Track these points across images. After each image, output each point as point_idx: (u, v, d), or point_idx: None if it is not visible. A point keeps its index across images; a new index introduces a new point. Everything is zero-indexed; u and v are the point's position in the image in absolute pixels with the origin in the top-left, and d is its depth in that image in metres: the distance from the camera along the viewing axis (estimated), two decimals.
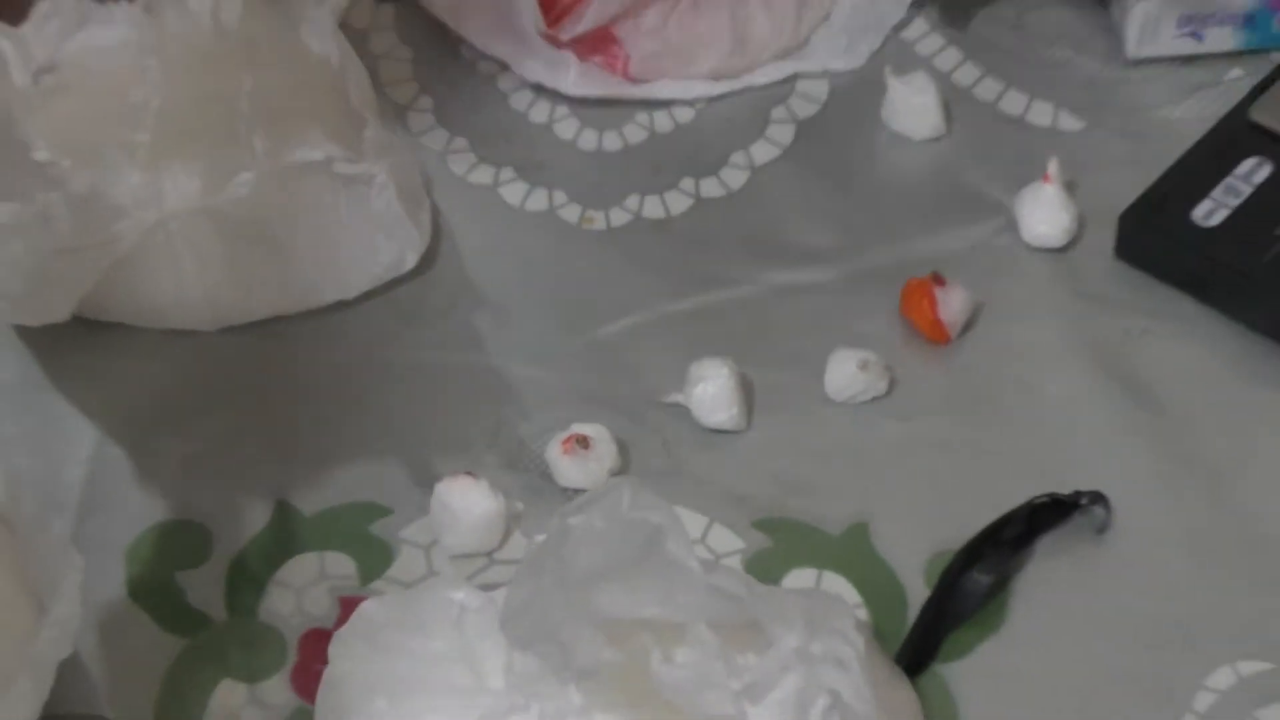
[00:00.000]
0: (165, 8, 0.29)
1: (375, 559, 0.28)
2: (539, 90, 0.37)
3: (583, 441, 0.29)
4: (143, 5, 0.30)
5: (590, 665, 0.21)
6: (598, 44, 0.36)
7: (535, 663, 0.21)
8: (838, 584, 0.28)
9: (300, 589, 0.28)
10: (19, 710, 0.21)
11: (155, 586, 0.28)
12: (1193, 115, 0.36)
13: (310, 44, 0.33)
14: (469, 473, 0.28)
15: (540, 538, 0.23)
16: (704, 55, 0.37)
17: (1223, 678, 0.26)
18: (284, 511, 0.29)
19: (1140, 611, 0.27)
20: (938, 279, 0.31)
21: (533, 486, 0.29)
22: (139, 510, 0.29)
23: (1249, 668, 0.26)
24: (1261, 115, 0.34)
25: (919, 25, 0.38)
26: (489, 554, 0.28)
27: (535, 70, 0.36)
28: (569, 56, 0.36)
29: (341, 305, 0.33)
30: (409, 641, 0.23)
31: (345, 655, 0.24)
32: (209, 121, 0.30)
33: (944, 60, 0.37)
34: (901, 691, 0.25)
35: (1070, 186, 0.33)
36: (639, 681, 0.21)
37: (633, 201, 0.35)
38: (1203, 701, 0.26)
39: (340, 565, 0.28)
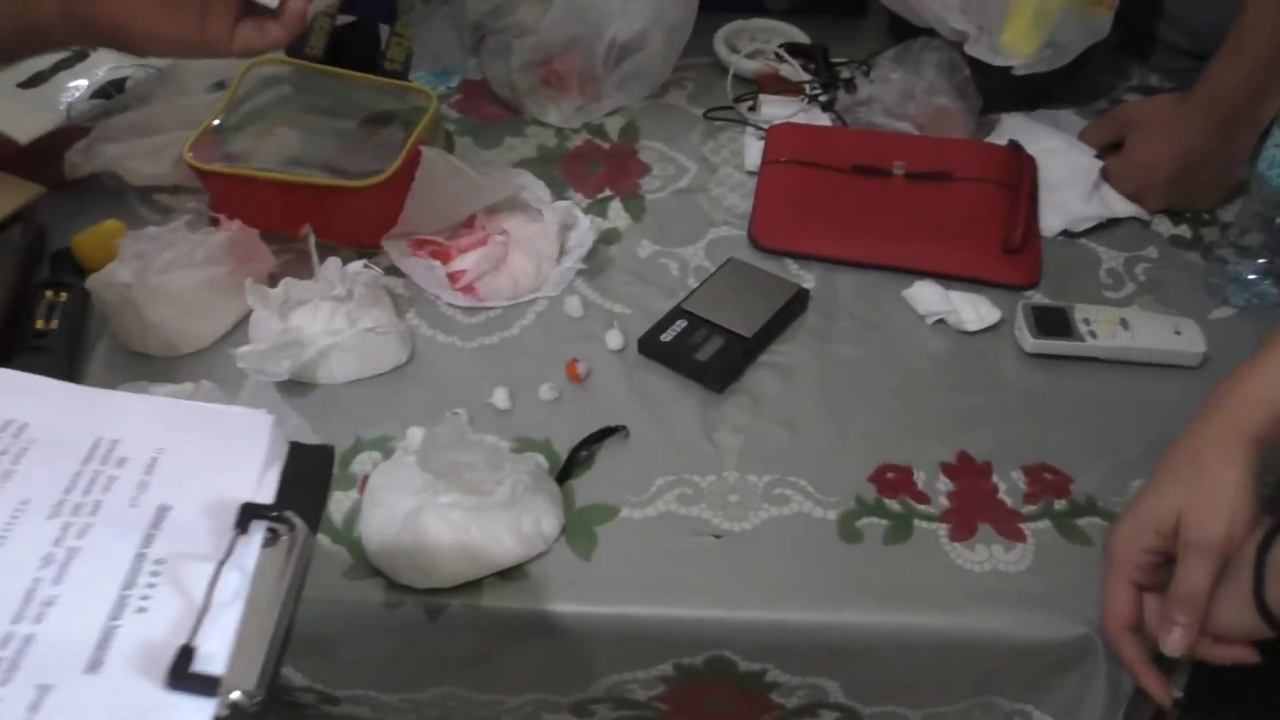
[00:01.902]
0: (323, 282, 0.90)
1: None
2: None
3: None
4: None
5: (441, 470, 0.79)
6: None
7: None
8: (538, 457, 0.87)
9: None
10: None
11: None
12: None
13: (371, 288, 0.94)
14: None
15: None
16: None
17: None
18: None
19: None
20: None
21: None
22: None
23: None
24: None
25: None
26: None
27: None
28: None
29: (365, 381, 0.92)
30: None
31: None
32: (335, 317, 0.90)
33: None
34: (555, 486, 0.84)
35: None
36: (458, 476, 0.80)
37: None
38: None
39: None
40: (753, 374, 0.93)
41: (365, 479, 0.83)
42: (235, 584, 0.45)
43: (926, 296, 0.97)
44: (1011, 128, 1.15)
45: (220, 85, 1.13)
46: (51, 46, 0.84)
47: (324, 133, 1.09)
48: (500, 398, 0.89)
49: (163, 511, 0.48)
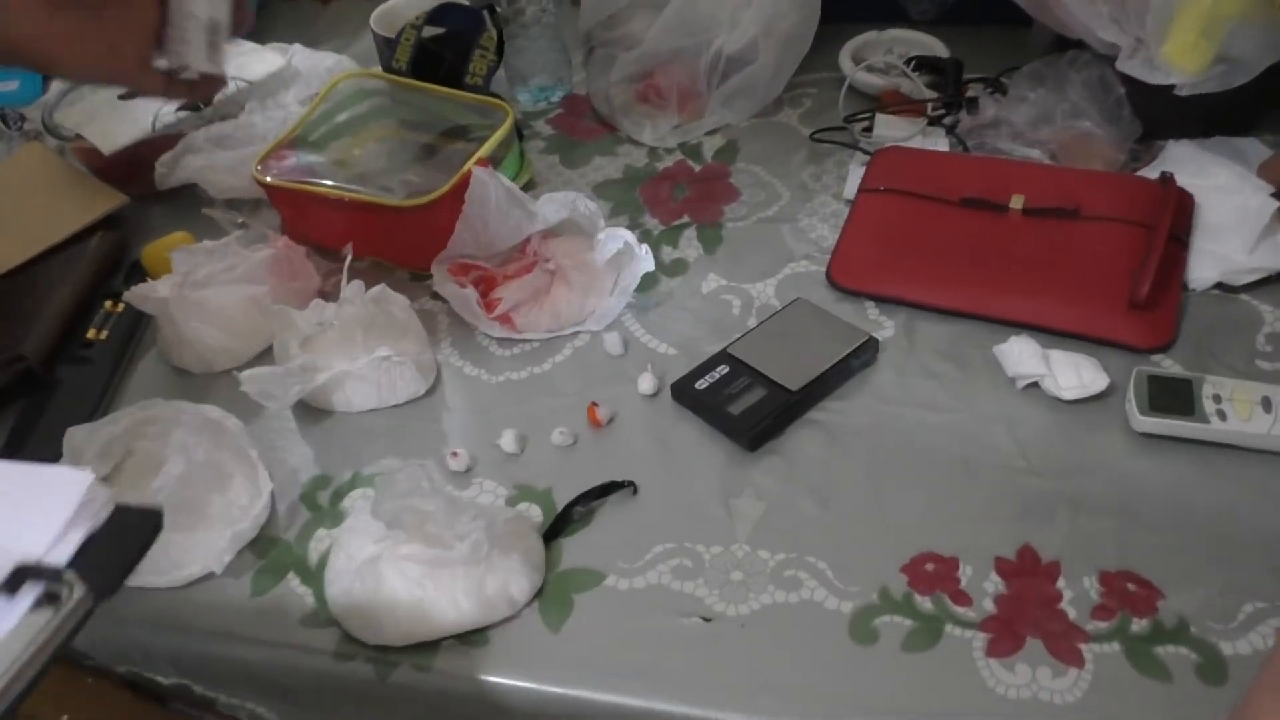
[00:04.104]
0: (345, 306, 0.87)
1: None
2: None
3: None
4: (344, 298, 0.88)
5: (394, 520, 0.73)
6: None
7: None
8: (534, 509, 0.80)
9: None
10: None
11: None
12: None
13: (397, 313, 0.90)
14: None
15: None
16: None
17: None
18: None
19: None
20: None
21: None
22: None
23: None
24: None
25: None
26: None
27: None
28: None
29: (380, 411, 0.88)
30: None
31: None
32: (353, 342, 0.87)
33: None
34: (539, 544, 0.76)
35: None
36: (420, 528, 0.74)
37: None
38: None
39: None
40: (795, 433, 0.81)
41: None
42: None
43: (1019, 355, 0.82)
44: (1176, 158, 0.96)
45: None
46: None
47: (409, 147, 1.07)
48: (508, 440, 0.82)
49: None
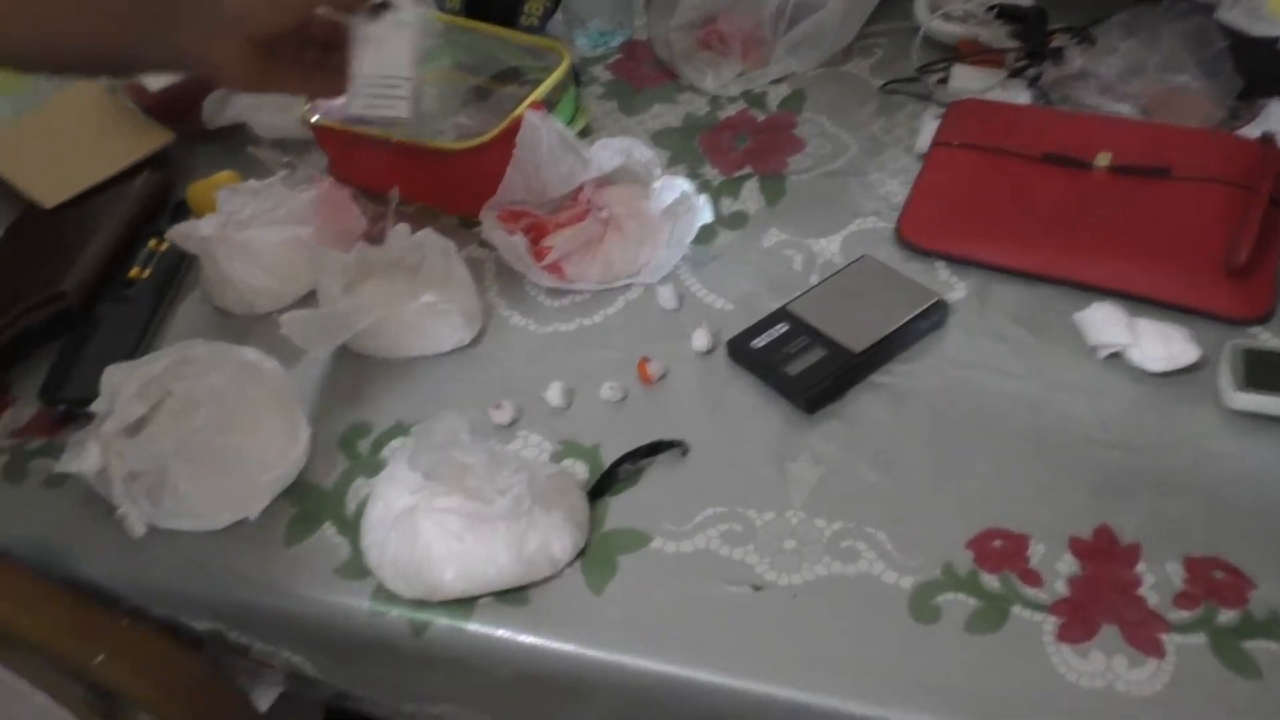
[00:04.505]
0: (390, 250, 0.83)
1: None
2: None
3: None
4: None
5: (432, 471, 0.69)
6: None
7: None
8: (579, 466, 0.76)
9: None
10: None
11: None
12: None
13: (443, 259, 0.86)
14: None
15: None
16: None
17: None
18: None
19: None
20: None
21: None
22: None
23: None
24: None
25: None
26: None
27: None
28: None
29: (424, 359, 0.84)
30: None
31: None
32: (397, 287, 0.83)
33: None
34: (583, 501, 0.73)
35: None
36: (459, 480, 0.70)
37: None
38: None
39: None
40: (857, 396, 0.77)
41: None
42: None
43: (1102, 322, 0.77)
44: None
45: None
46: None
47: (460, 90, 1.03)
48: (554, 393, 0.79)
49: None
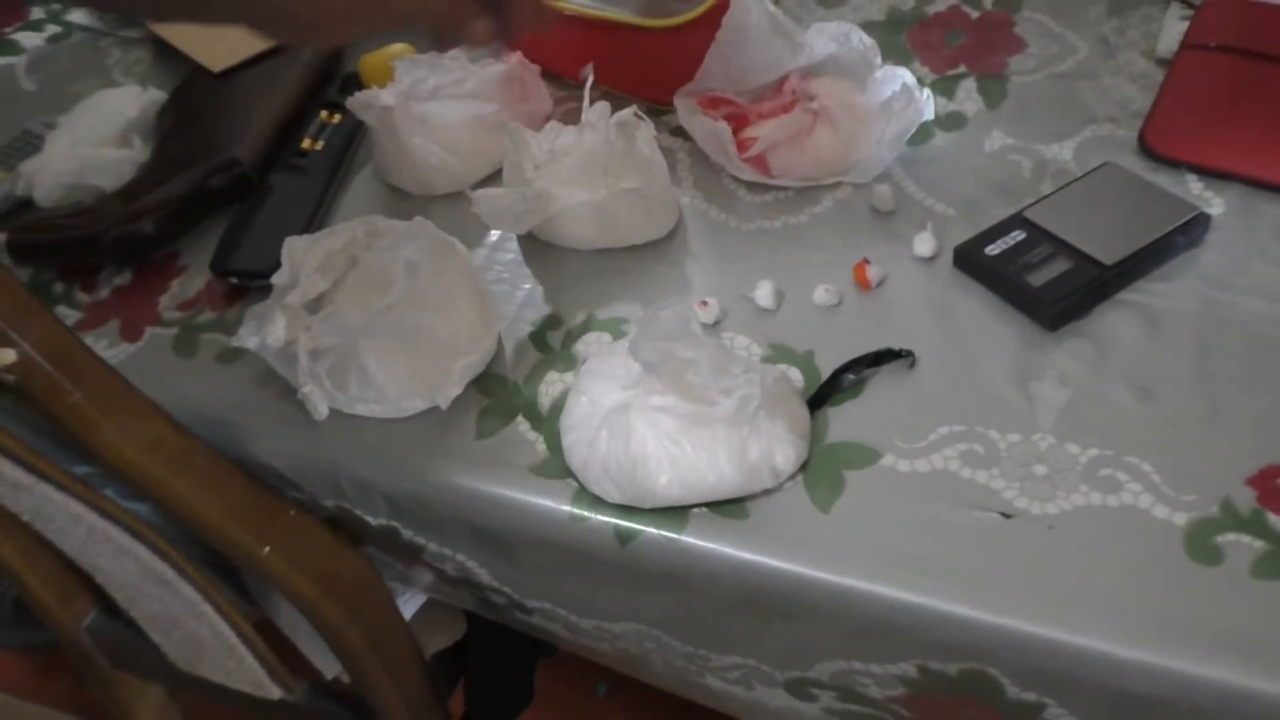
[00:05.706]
0: (586, 132, 0.76)
1: None
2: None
3: None
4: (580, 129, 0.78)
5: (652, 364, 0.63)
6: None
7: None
8: (792, 372, 0.69)
9: None
10: None
11: None
12: None
13: (641, 145, 0.79)
14: None
15: None
16: None
17: None
18: None
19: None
20: None
21: None
22: None
23: None
24: None
25: None
26: None
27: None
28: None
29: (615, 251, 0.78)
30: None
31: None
32: (592, 172, 0.77)
33: None
34: (803, 410, 0.66)
35: None
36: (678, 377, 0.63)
37: None
38: None
39: None
40: (1104, 314, 0.69)
41: None
42: None
43: None
44: None
45: None
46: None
47: None
48: (764, 293, 0.72)
49: None
